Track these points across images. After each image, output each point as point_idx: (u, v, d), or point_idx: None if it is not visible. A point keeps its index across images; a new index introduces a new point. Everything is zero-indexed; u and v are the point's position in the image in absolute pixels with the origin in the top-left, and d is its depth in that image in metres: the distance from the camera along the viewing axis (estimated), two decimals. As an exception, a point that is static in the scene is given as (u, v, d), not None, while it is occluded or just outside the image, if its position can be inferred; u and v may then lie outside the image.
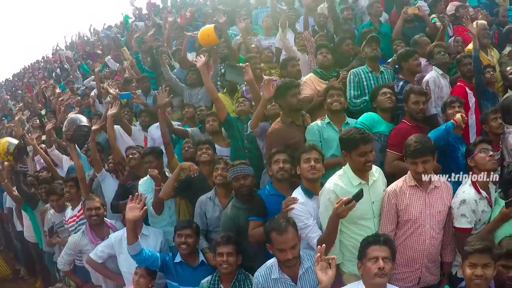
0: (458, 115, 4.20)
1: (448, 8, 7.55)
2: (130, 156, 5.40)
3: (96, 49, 14.90)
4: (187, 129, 5.90)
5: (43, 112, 10.93)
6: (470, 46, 5.89)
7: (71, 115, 6.14)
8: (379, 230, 3.56)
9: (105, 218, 5.02)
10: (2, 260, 9.29)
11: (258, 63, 5.97)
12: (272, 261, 3.49)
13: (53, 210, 5.84)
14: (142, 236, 4.51)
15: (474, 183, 3.63)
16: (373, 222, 3.58)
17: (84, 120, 5.51)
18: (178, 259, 4.22)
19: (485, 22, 6.26)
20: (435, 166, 3.72)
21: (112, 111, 5.86)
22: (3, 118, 17.30)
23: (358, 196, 3.24)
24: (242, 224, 4.02)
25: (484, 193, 3.61)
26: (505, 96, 5.24)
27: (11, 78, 29.53)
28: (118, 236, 4.60)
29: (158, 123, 5.99)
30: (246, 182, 4.05)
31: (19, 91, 19.68)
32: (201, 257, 4.26)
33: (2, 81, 30.94)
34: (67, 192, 5.44)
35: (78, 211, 5.34)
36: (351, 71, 5.27)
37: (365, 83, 5.16)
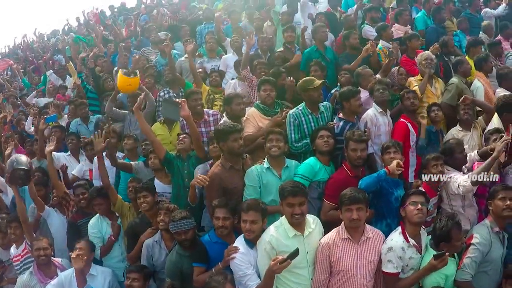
0: (393, 163, 4.29)
1: (395, 31, 7.71)
2: (81, 196, 5.52)
3: (40, 60, 14.61)
4: (131, 163, 5.89)
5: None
6: (413, 78, 6.29)
7: (13, 155, 6.07)
8: (313, 278, 3.83)
9: (52, 258, 5.09)
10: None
11: (199, 99, 5.85)
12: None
13: None
14: (90, 276, 4.71)
15: (403, 231, 3.93)
16: (308, 271, 3.83)
17: (22, 161, 5.46)
18: None
19: (430, 53, 6.41)
20: (369, 213, 4.04)
21: (50, 147, 5.82)
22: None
23: (294, 255, 3.47)
24: (185, 270, 4.20)
25: (412, 241, 3.88)
26: (446, 138, 5.42)
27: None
28: (68, 275, 4.69)
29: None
30: (187, 236, 4.21)
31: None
32: None
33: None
34: (12, 233, 5.46)
35: (22, 250, 5.40)
36: (290, 112, 5.25)
37: (305, 126, 5.21)
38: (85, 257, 4.47)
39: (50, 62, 13.84)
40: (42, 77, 12.54)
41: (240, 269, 3.84)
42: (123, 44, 9.76)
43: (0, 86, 14.94)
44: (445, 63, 7.02)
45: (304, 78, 5.48)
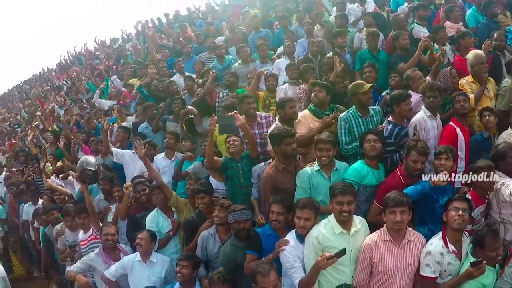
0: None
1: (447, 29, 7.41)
2: (141, 191, 6.08)
3: (102, 65, 15.59)
4: (188, 170, 6.32)
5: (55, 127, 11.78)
6: (465, 80, 6.05)
7: (84, 156, 6.73)
8: (354, 277, 4.10)
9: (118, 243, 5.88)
10: (17, 261, 10.08)
11: (252, 102, 6.20)
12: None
13: (68, 229, 6.67)
14: (150, 262, 5.35)
15: (444, 237, 4.01)
16: (350, 269, 4.12)
17: (91, 162, 6.09)
18: (177, 286, 4.89)
19: (482, 54, 6.07)
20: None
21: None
22: (16, 126, 17.97)
23: (341, 253, 3.79)
24: (239, 260, 4.63)
25: (452, 247, 3.95)
26: (497, 142, 5.21)
27: (21, 84, 30.38)
28: (131, 259, 5.43)
29: (163, 154, 6.90)
30: (245, 225, 4.69)
31: (29, 101, 20.31)
32: (197, 286, 4.93)
33: (14, 86, 31.76)
34: (81, 223, 6.28)
35: (89, 236, 6.19)
36: (341, 116, 5.47)
37: (355, 129, 5.40)
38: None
39: (114, 67, 14.75)
40: (104, 80, 13.58)
41: (288, 261, 4.19)
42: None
43: (68, 89, 16.13)
44: (495, 56, 6.58)
45: (354, 82, 5.72)
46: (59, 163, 8.94)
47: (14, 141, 15.90)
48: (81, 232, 6.36)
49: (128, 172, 7.18)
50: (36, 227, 8.56)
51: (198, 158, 6.52)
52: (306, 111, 5.82)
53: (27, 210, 9.20)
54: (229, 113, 5.64)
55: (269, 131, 5.57)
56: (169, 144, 6.91)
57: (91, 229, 6.20)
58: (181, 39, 12.67)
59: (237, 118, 5.36)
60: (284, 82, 7.49)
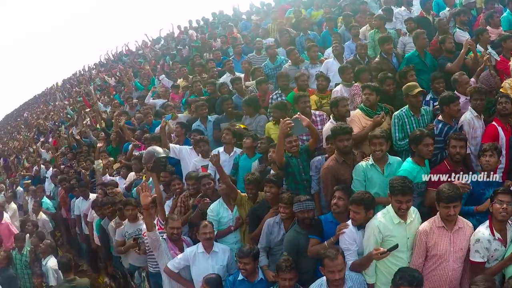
0: (483, 205, 4.75)
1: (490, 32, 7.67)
2: (207, 185, 6.46)
3: (147, 65, 16.24)
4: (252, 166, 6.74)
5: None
6: (508, 83, 6.30)
7: (149, 147, 7.20)
8: (411, 261, 4.56)
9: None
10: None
11: (308, 101, 6.66)
12: (323, 279, 4.57)
13: (127, 221, 7.13)
14: (213, 252, 5.72)
15: (490, 226, 4.42)
16: (406, 255, 4.57)
17: (160, 151, 6.57)
18: (240, 277, 5.27)
19: None
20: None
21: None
22: (61, 124, 18.86)
23: (393, 248, 4.32)
24: (302, 245, 5.08)
25: (497, 235, 4.37)
26: None
27: (61, 83, 31.41)
28: (192, 251, 5.76)
29: (222, 148, 7.32)
30: (309, 215, 5.12)
31: (71, 99, 21.27)
32: (261, 275, 5.31)
33: (54, 85, 32.88)
34: (130, 214, 7.00)
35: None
36: (395, 114, 6.04)
37: (407, 126, 5.93)
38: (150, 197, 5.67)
39: (159, 66, 15.35)
40: (151, 79, 14.19)
41: (345, 243, 4.69)
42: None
43: (114, 87, 16.89)
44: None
45: (408, 84, 6.22)
46: (116, 165, 9.63)
47: (58, 138, 16.70)
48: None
49: (185, 167, 7.61)
50: (89, 221, 9.12)
51: (257, 155, 6.88)
52: (358, 111, 6.29)
53: (78, 205, 9.95)
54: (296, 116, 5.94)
55: (324, 128, 6.17)
56: (226, 139, 7.24)
57: (155, 219, 6.42)
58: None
59: (302, 118, 5.73)
60: (336, 84, 7.86)
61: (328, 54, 9.42)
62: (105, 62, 26.70)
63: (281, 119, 5.84)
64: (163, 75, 13.45)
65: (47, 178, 13.99)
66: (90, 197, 9.54)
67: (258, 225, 5.81)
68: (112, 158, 10.19)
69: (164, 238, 5.99)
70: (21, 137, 25.45)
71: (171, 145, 7.78)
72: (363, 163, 5.41)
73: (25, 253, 8.67)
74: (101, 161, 10.22)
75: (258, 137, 7.03)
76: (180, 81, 11.88)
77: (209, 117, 8.60)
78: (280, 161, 5.77)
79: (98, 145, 10.74)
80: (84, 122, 13.55)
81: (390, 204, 4.61)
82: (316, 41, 10.32)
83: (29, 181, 14.94)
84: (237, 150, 7.25)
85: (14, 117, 42.58)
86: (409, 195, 4.49)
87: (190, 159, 7.59)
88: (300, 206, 5.10)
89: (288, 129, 5.43)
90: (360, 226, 4.75)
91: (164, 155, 6.56)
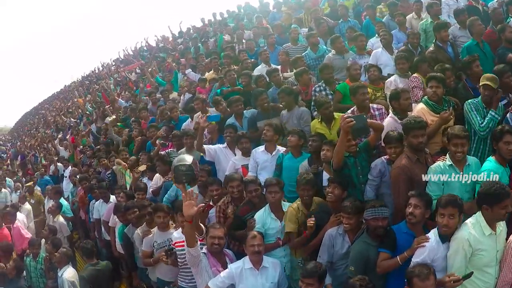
0: None
1: None
2: (254, 192, 5.63)
3: (170, 58, 15.72)
4: (300, 167, 5.95)
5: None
6: None
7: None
8: (500, 277, 4.04)
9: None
10: (81, 258, 9.99)
11: (366, 93, 6.07)
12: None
13: (156, 229, 6.35)
14: (263, 269, 4.93)
15: None
16: (495, 269, 4.03)
17: (184, 158, 5.83)
18: None
19: None
20: None
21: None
22: (79, 121, 18.32)
23: (467, 276, 3.83)
24: (371, 259, 4.42)
25: None
26: None
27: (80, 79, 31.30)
28: (238, 267, 4.91)
29: (263, 147, 6.58)
30: (383, 223, 4.45)
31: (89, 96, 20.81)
32: None
33: (74, 82, 32.82)
34: (161, 222, 6.19)
35: None
36: (468, 102, 5.50)
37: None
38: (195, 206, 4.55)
39: (183, 60, 14.69)
40: (173, 73, 13.53)
41: (424, 259, 4.00)
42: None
43: (135, 82, 16.29)
44: None
45: (484, 75, 5.58)
46: (141, 167, 8.64)
47: (77, 135, 16.15)
48: (177, 231, 5.82)
49: (221, 169, 7.01)
50: (111, 227, 8.29)
51: (304, 155, 6.17)
52: (422, 105, 5.62)
53: (97, 208, 9.11)
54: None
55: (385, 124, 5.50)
56: (267, 136, 6.46)
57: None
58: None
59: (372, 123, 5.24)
60: (389, 74, 7.34)
61: (372, 44, 8.87)
62: (124, 58, 26.24)
63: (342, 116, 5.04)
64: (190, 70, 12.78)
65: (66, 177, 13.34)
66: (111, 200, 8.71)
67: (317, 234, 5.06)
68: (133, 157, 9.43)
69: (204, 252, 5.10)
70: (39, 134, 25.20)
71: (206, 146, 7.09)
72: (440, 164, 4.72)
73: (40, 260, 8.02)
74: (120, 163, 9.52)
75: (304, 134, 6.28)
76: (208, 74, 11.20)
77: (244, 112, 7.80)
78: (338, 162, 5.10)
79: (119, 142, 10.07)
80: (110, 120, 12.86)
81: (480, 213, 4.03)
82: (357, 30, 9.68)
83: (31, 183, 14.64)
84: (280, 149, 6.49)
85: (33, 115, 42.81)
86: (506, 201, 3.90)
87: (226, 159, 6.93)
88: (373, 212, 4.42)
89: (349, 127, 4.77)
90: (445, 239, 4.07)
91: (186, 163, 5.85)
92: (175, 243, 5.74)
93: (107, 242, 8.87)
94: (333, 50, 8.62)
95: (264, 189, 5.60)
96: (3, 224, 9.24)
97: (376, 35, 8.81)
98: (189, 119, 9.11)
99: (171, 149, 8.24)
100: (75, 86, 30.25)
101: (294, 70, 8.19)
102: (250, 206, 5.69)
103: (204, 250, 5.12)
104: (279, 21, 12.61)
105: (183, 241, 5.15)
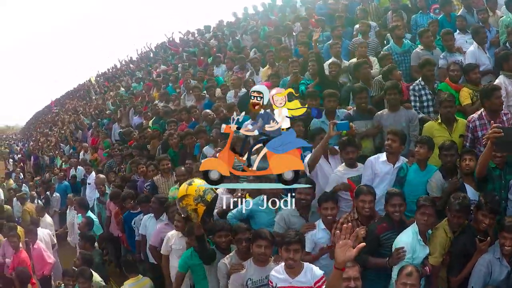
0: None
1: None
2: (398, 208, 4.74)
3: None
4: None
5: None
6: None
7: None
8: None
9: None
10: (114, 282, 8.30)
11: (501, 95, 5.56)
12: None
13: (251, 262, 4.75)
14: None
15: None
16: None
17: None
18: None
19: None
20: None
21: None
22: (99, 120, 16.85)
23: None
24: None
25: None
26: None
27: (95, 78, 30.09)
28: None
29: (383, 156, 5.58)
30: None
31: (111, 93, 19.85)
32: None
33: (87, 80, 31.73)
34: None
35: None
36: None
37: None
38: None
39: (220, 55, 13.51)
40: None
41: None
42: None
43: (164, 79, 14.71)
44: None
45: None
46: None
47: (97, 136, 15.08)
48: (277, 265, 4.43)
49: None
50: (164, 255, 6.28)
51: (429, 167, 5.36)
52: None
53: (145, 223, 7.18)
54: None
55: None
56: (393, 148, 5.43)
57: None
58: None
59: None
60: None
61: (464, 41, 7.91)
62: (143, 55, 25.21)
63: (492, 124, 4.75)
64: (237, 66, 11.32)
65: (89, 184, 11.63)
66: (163, 218, 6.80)
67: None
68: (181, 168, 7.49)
69: None
70: (54, 133, 23.90)
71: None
72: None
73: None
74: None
75: (433, 144, 5.31)
76: (265, 70, 9.90)
77: (337, 111, 6.65)
78: (481, 173, 4.83)
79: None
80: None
81: None
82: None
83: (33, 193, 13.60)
84: (402, 159, 5.57)
85: (45, 114, 41.93)
86: None
87: (324, 171, 5.78)
88: None
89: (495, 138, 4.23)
90: None
91: None
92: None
93: (155, 266, 6.95)
94: (420, 45, 7.77)
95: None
96: (21, 246, 7.85)
97: (458, 31, 8.02)
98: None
99: None
100: (92, 85, 28.94)
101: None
102: (389, 224, 4.81)
103: None
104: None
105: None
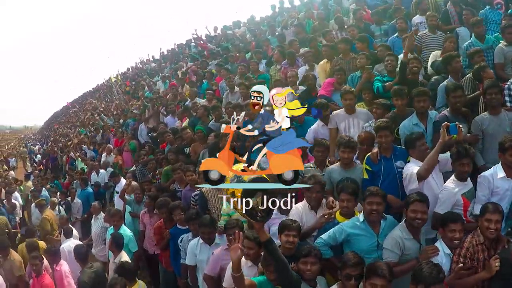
0: None
1: None
2: None
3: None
4: None
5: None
6: None
7: None
8: None
9: None
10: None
11: None
12: None
13: None
14: None
15: None
16: None
17: None
18: None
19: None
20: None
21: None
22: (123, 121, 15.83)
23: None
24: None
25: None
26: None
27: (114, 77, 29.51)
28: None
29: (500, 171, 4.89)
30: None
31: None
32: None
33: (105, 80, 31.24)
34: None
35: None
36: None
37: None
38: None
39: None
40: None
41: None
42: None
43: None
44: None
45: None
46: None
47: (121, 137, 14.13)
48: None
49: None
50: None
51: None
52: None
53: (193, 250, 5.80)
54: None
55: None
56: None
57: None
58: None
59: None
60: None
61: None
62: (166, 53, 24.43)
63: None
64: (285, 60, 10.19)
65: (117, 192, 10.30)
66: (217, 241, 5.71)
67: None
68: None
69: None
70: (75, 133, 23.08)
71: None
72: None
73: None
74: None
75: None
76: (322, 64, 8.83)
77: (429, 112, 5.89)
78: None
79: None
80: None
81: None
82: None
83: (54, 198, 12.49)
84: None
85: (64, 114, 41.78)
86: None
87: (430, 184, 5.02)
88: None
89: None
90: None
91: None
92: None
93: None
94: (503, 41, 7.09)
95: None
96: (43, 270, 6.78)
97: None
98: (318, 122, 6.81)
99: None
100: (113, 84, 28.19)
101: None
102: None
103: None
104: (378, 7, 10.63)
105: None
